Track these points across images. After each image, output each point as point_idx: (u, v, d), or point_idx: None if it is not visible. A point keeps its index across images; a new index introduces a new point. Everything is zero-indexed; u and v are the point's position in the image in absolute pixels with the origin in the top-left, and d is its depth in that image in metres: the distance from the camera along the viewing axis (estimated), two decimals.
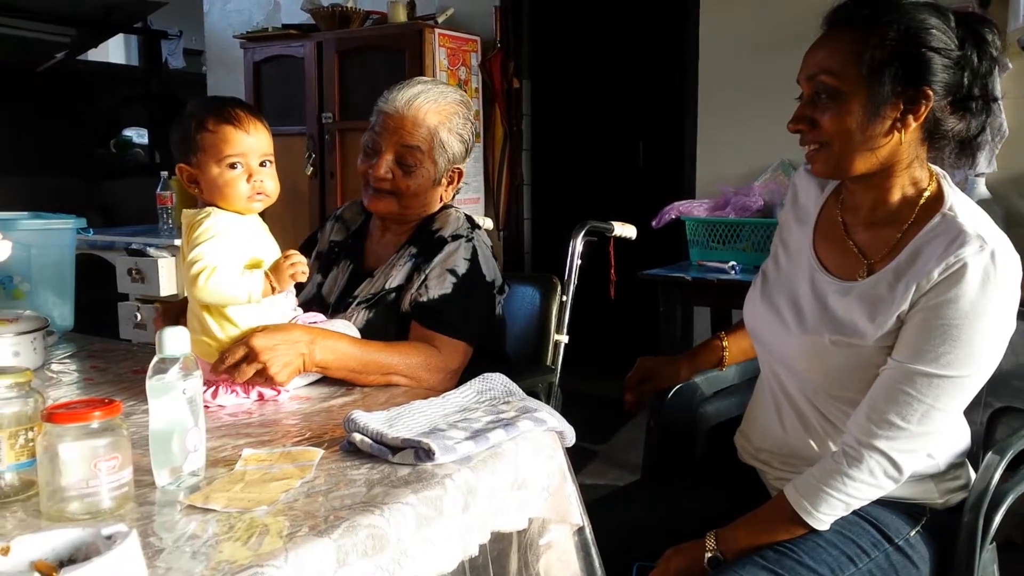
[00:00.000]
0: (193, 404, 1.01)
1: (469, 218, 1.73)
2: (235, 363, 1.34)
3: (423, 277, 1.61)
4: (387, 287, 1.65)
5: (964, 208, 1.23)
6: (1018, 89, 2.97)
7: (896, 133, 1.22)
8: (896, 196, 1.28)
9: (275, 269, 1.40)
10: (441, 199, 1.75)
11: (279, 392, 1.39)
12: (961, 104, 1.22)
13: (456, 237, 1.65)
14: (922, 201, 1.26)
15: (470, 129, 1.74)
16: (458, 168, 1.74)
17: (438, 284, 1.59)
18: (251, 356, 1.33)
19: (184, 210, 1.42)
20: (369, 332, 1.57)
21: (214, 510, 0.91)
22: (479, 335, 1.62)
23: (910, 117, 1.21)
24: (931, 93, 1.19)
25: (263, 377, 1.34)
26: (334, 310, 1.68)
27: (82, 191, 5.52)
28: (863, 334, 1.24)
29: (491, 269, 1.68)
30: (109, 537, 0.73)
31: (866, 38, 1.20)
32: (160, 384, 0.99)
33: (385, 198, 1.67)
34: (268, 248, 1.44)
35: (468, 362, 1.59)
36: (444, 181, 1.73)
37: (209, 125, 1.37)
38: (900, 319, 1.21)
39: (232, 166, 1.38)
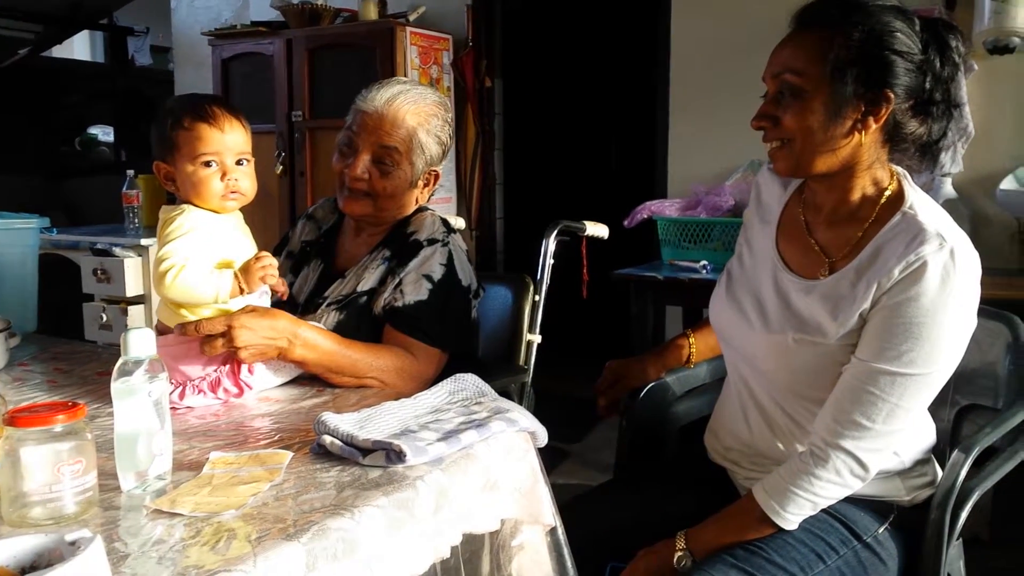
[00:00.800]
0: (159, 407, 1.00)
1: (445, 222, 1.71)
2: (210, 335, 1.31)
3: (397, 281, 1.59)
4: (359, 289, 1.62)
5: (924, 207, 1.24)
6: (983, 91, 3.02)
7: (856, 134, 1.23)
8: (857, 195, 1.29)
9: (245, 270, 1.39)
10: (416, 201, 1.73)
11: (243, 391, 1.37)
12: (922, 108, 1.23)
13: (432, 241, 1.63)
14: (883, 200, 1.27)
15: (448, 131, 1.72)
16: (434, 170, 1.72)
17: (414, 290, 1.57)
18: (228, 337, 1.31)
19: (163, 207, 1.40)
20: (339, 334, 1.54)
21: (181, 514, 0.89)
22: (454, 341, 1.61)
23: (871, 119, 1.22)
24: (892, 96, 1.20)
25: (228, 350, 1.32)
26: (304, 310, 1.66)
27: (46, 190, 5.44)
28: (826, 332, 1.25)
29: (467, 274, 1.66)
30: (73, 543, 0.71)
31: (831, 38, 1.21)
32: (125, 387, 0.98)
33: (360, 199, 1.65)
34: (243, 248, 1.43)
35: (443, 368, 1.57)
36: (420, 183, 1.71)
37: (185, 122, 1.36)
38: (862, 317, 1.22)
39: (207, 164, 1.37)
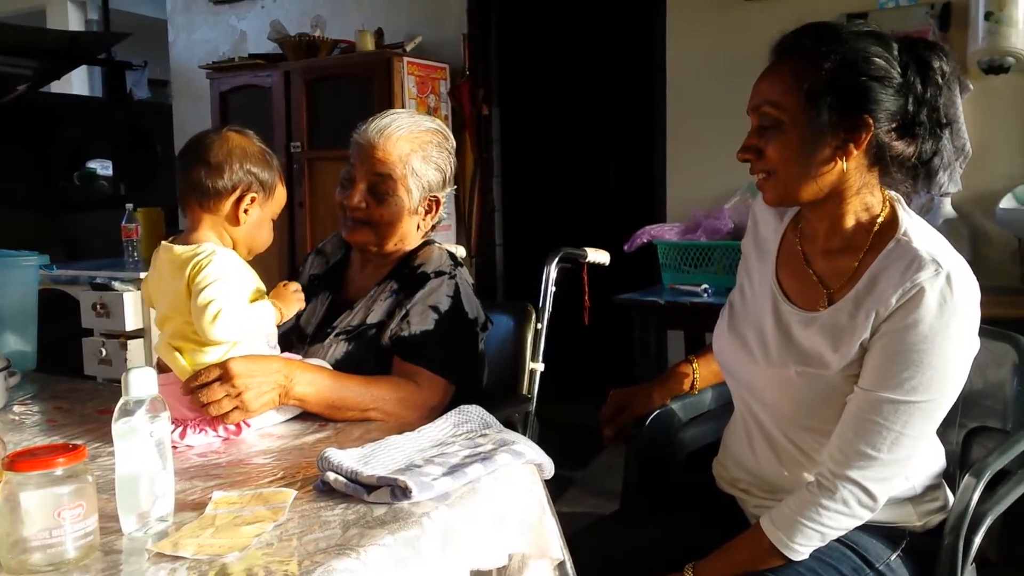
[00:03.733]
0: (161, 447, 0.98)
1: (452, 255, 1.71)
2: (207, 383, 1.31)
3: (404, 312, 1.59)
4: (368, 322, 1.62)
5: (918, 232, 1.24)
6: (980, 110, 3.03)
7: (839, 161, 1.23)
8: (850, 223, 1.28)
9: (279, 296, 1.47)
10: (419, 227, 1.73)
11: (241, 428, 1.36)
12: (907, 130, 1.22)
13: (439, 274, 1.64)
14: (876, 228, 1.27)
15: (447, 158, 1.72)
16: (435, 196, 1.72)
17: (420, 320, 1.58)
18: (224, 378, 1.31)
19: (176, 246, 1.39)
20: (348, 364, 1.55)
21: (183, 557, 0.88)
22: (460, 373, 1.60)
23: (851, 145, 1.22)
24: (871, 121, 1.20)
25: (235, 405, 1.31)
26: (312, 340, 1.66)
27: (45, 225, 5.43)
28: (828, 364, 1.24)
29: (473, 307, 1.66)
30: None
31: (804, 69, 1.22)
32: (126, 427, 0.96)
33: (362, 228, 1.66)
34: (256, 279, 1.46)
35: (449, 399, 1.56)
36: (421, 210, 1.70)
37: (281, 179, 1.49)
38: (863, 347, 1.21)
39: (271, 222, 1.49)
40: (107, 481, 1.03)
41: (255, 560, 0.87)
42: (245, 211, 1.43)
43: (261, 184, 1.44)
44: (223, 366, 1.32)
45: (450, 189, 1.76)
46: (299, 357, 1.51)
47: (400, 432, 1.23)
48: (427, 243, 1.75)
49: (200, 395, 1.30)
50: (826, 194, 1.26)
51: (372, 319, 1.62)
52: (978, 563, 1.37)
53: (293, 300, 1.48)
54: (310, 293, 1.77)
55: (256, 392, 1.33)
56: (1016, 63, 2.93)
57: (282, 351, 1.52)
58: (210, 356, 1.35)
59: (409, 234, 1.71)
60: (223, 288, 1.34)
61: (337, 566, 0.85)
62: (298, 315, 1.72)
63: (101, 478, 1.09)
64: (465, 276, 1.69)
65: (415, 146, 1.66)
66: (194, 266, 1.35)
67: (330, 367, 1.51)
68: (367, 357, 1.58)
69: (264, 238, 1.48)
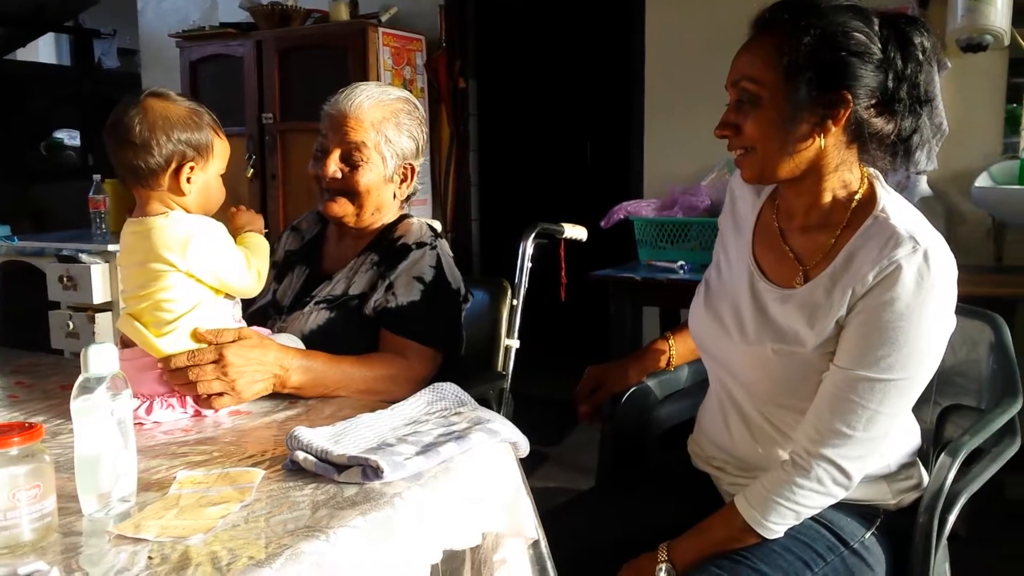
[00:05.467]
0: (122, 425, 0.95)
1: (431, 227, 1.72)
2: (199, 364, 1.29)
3: (388, 283, 1.60)
4: (350, 292, 1.63)
5: (896, 209, 1.22)
6: (958, 88, 3.03)
7: (817, 137, 1.21)
8: (827, 199, 1.27)
9: (241, 236, 1.47)
10: (395, 196, 1.73)
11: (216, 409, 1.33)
12: (886, 106, 1.21)
13: (420, 245, 1.65)
14: (853, 204, 1.25)
15: (419, 127, 1.72)
16: (410, 164, 1.71)
17: (406, 291, 1.59)
18: (219, 364, 1.29)
19: (154, 218, 1.34)
20: (328, 332, 1.57)
21: (146, 540, 0.85)
22: (447, 342, 1.62)
23: (829, 121, 1.20)
24: (850, 97, 1.18)
25: (225, 390, 1.30)
26: (290, 310, 1.66)
27: (11, 196, 5.32)
28: (803, 342, 1.23)
29: (456, 278, 1.68)
30: None
31: (783, 43, 1.19)
32: (86, 405, 0.93)
33: (339, 200, 1.66)
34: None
35: (437, 370, 1.58)
36: (396, 178, 1.70)
37: (220, 133, 1.40)
38: (839, 324, 1.20)
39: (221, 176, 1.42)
40: (68, 459, 1.00)
41: (221, 542, 0.84)
42: (188, 180, 1.36)
43: (196, 149, 1.36)
44: (219, 353, 1.30)
45: (424, 159, 1.76)
46: (268, 331, 1.48)
47: (373, 410, 1.21)
48: (405, 216, 1.75)
49: (190, 372, 1.28)
50: (803, 171, 1.24)
51: (354, 290, 1.63)
52: (948, 538, 1.38)
53: (255, 220, 1.51)
54: (285, 268, 1.78)
55: (249, 380, 1.32)
56: (994, 41, 2.93)
57: (258, 324, 1.51)
58: (172, 334, 1.32)
59: (386, 203, 1.71)
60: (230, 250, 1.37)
61: (306, 548, 0.83)
62: (274, 291, 1.73)
63: (61, 456, 1.06)
64: (446, 248, 1.70)
65: (387, 114, 1.66)
66: (183, 239, 1.32)
67: (300, 343, 1.50)
68: (347, 325, 1.58)
69: (215, 198, 1.41)
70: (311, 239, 1.82)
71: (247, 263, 1.39)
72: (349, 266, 1.67)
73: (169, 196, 1.36)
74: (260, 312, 1.71)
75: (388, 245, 1.67)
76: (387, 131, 1.65)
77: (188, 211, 1.37)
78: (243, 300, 1.45)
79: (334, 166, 1.63)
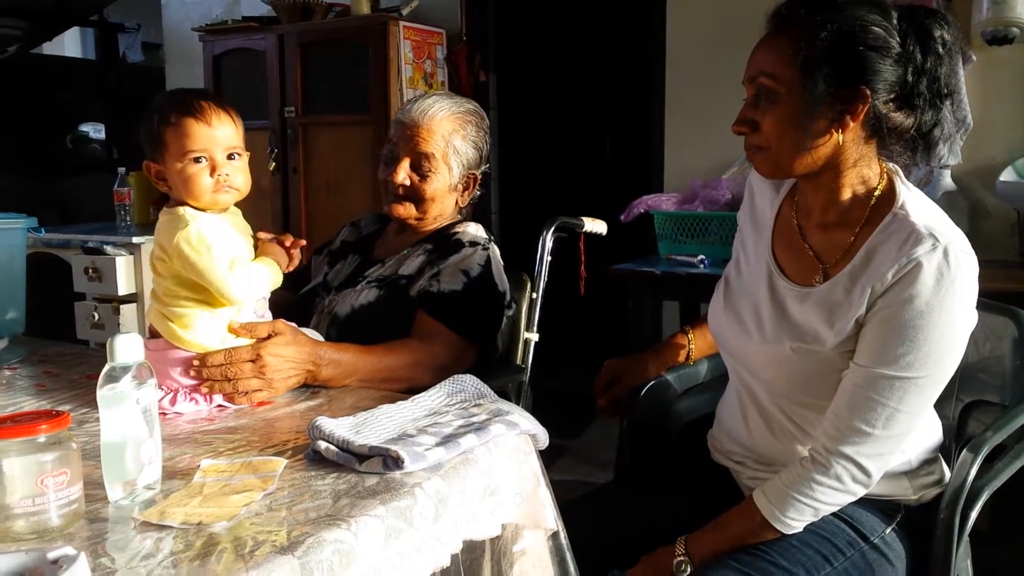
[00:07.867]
0: (148, 414, 0.96)
1: (488, 230, 1.80)
2: (237, 362, 1.32)
3: (435, 271, 1.65)
4: (400, 273, 1.69)
5: (916, 205, 1.21)
6: (983, 82, 2.99)
7: (835, 133, 1.20)
8: (846, 195, 1.26)
9: (267, 253, 1.44)
10: (457, 204, 1.81)
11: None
12: (906, 101, 1.19)
13: (474, 244, 1.72)
14: (873, 201, 1.24)
15: (484, 137, 1.80)
16: (473, 174, 1.80)
17: (450, 280, 1.64)
18: (257, 365, 1.33)
19: (164, 208, 1.37)
20: (374, 310, 1.63)
21: (170, 526, 0.86)
22: (479, 336, 1.66)
23: (847, 117, 1.19)
24: (868, 92, 1.17)
25: (261, 387, 1.34)
26: (339, 289, 1.73)
27: (38, 189, 5.38)
28: (823, 340, 1.22)
29: (502, 281, 1.74)
30: (55, 562, 0.69)
31: (800, 39, 1.18)
32: (112, 394, 0.95)
33: (405, 203, 1.74)
34: (242, 246, 1.40)
35: (466, 361, 1.60)
36: (460, 187, 1.79)
37: (172, 118, 1.32)
38: (858, 323, 1.20)
39: (196, 160, 1.32)
40: (94, 447, 1.02)
41: (244, 530, 0.85)
42: (161, 179, 1.36)
43: (149, 146, 1.36)
44: (257, 354, 1.33)
45: (486, 167, 1.83)
46: (294, 325, 1.49)
47: (392, 401, 1.22)
48: (462, 220, 1.83)
49: (228, 370, 1.31)
50: (821, 167, 1.23)
51: (404, 271, 1.69)
52: (969, 536, 1.37)
53: (281, 254, 1.46)
54: (339, 255, 1.87)
55: (284, 376, 1.36)
56: (1020, 34, 2.89)
57: (307, 304, 1.59)
58: (199, 327, 1.33)
59: (448, 209, 1.80)
60: (220, 250, 1.32)
61: (328, 536, 0.84)
62: (325, 275, 1.81)
63: (88, 444, 1.08)
64: (496, 252, 1.77)
65: (456, 126, 1.74)
66: (179, 237, 1.31)
67: (320, 337, 1.52)
68: (394, 304, 1.65)
69: (201, 183, 1.32)
70: (368, 234, 1.91)
71: (231, 269, 1.32)
72: (403, 252, 1.74)
73: (169, 192, 1.38)
74: (310, 293, 1.78)
75: (443, 239, 1.74)
76: (455, 142, 1.73)
77: (192, 206, 1.35)
78: (293, 282, 1.47)
79: (403, 174, 1.71)
